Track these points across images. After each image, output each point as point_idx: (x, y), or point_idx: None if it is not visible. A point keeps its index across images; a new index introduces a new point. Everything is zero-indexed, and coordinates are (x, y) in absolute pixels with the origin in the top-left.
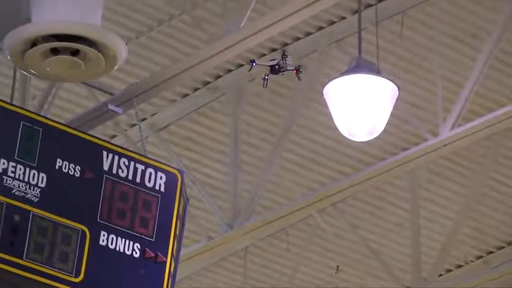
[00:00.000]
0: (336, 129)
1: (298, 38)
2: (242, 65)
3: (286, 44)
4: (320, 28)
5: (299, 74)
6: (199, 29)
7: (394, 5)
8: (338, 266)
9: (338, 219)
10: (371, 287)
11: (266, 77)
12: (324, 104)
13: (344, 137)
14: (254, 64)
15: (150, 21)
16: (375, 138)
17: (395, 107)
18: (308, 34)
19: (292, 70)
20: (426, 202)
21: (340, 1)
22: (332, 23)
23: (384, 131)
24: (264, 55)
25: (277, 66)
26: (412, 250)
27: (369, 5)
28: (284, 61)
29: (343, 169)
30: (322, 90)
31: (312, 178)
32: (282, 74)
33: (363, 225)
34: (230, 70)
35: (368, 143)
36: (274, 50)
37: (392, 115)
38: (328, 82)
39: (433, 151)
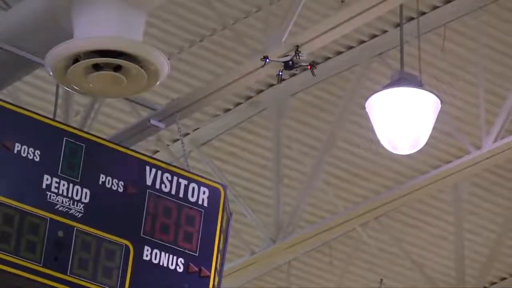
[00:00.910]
0: (378, 142)
1: (339, 52)
2: (283, 79)
3: (328, 58)
4: (362, 42)
5: (313, 70)
6: (241, 44)
7: (436, 18)
8: (382, 280)
9: (381, 232)
10: None
11: (280, 73)
12: (366, 117)
13: (386, 150)
14: (267, 60)
15: (192, 36)
16: (418, 151)
17: (438, 120)
18: (350, 47)
19: (306, 66)
20: (470, 215)
21: (381, 15)
22: (374, 36)
23: (427, 144)
24: (305, 69)
25: (290, 62)
26: (456, 263)
27: (411, 18)
28: (297, 57)
29: (386, 182)
30: (364, 104)
31: (355, 192)
32: (296, 70)
33: (406, 238)
34: (272, 85)
35: (410, 156)
36: (316, 64)
37: (434, 128)
38: (370, 96)
39: (476, 164)
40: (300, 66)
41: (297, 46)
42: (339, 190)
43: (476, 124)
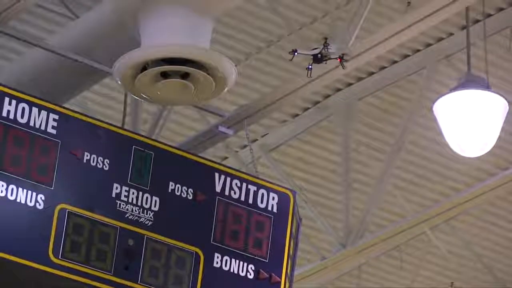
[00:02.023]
0: (446, 145)
1: (406, 56)
2: (351, 84)
3: (394, 62)
4: (428, 45)
5: (343, 63)
6: (308, 49)
7: (502, 20)
8: (452, 283)
9: (452, 235)
10: None
11: (310, 66)
12: (434, 120)
13: (455, 153)
14: (296, 53)
15: (259, 42)
16: (487, 153)
17: (506, 121)
18: (417, 51)
19: (336, 58)
20: None
21: (448, 18)
22: (440, 39)
23: (495, 146)
24: (372, 73)
25: (319, 55)
26: None
27: (477, 21)
28: (326, 50)
29: (455, 185)
30: (432, 107)
31: (424, 195)
32: (326, 63)
33: (476, 241)
34: (339, 89)
35: (479, 158)
36: (383, 68)
37: (503, 129)
38: (437, 99)
39: None
40: (330, 58)
41: (326, 39)
42: (408, 194)
43: None
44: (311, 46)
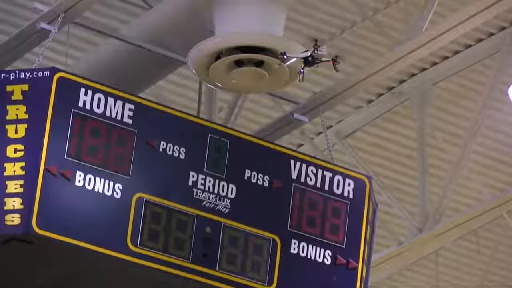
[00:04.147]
0: None
1: (480, 40)
2: (425, 69)
3: (469, 46)
4: (503, 28)
5: (337, 65)
6: (381, 34)
7: None
8: None
9: None
10: None
11: (302, 70)
12: (509, 104)
13: None
14: (285, 56)
15: (332, 29)
16: None
17: None
18: (491, 34)
19: (328, 61)
20: None
21: None
22: None
23: None
24: (447, 57)
25: (310, 58)
26: None
27: None
28: (317, 52)
29: None
30: (507, 90)
31: (500, 179)
32: (317, 66)
33: None
34: (414, 74)
35: None
36: (457, 52)
37: None
38: None
39: None
40: (321, 61)
41: (316, 40)
42: (484, 178)
43: None
44: (385, 32)
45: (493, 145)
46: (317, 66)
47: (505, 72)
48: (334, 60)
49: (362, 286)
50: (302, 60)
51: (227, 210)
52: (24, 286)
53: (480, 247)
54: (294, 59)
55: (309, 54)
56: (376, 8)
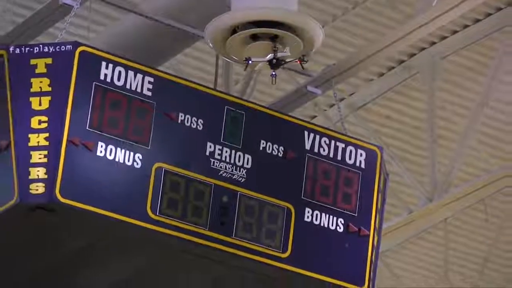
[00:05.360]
0: None
1: (489, 14)
2: (435, 42)
3: (478, 20)
4: (510, 4)
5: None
6: (393, 9)
7: None
8: None
9: None
10: None
11: (274, 73)
12: None
13: None
14: (250, 62)
15: (345, 3)
16: None
17: None
18: (499, 9)
19: (295, 60)
20: None
21: None
22: None
23: None
24: (456, 32)
25: (274, 60)
26: None
27: None
28: (276, 54)
29: None
30: None
31: (507, 150)
32: (283, 67)
33: None
34: (423, 48)
35: None
36: (466, 26)
37: None
38: None
39: None
40: (287, 62)
41: (274, 43)
42: (492, 149)
43: None
44: (396, 6)
45: (501, 117)
46: (283, 67)
47: (510, 46)
48: (301, 59)
49: (374, 253)
50: (267, 62)
51: (243, 180)
52: (46, 256)
53: (488, 216)
54: (260, 64)
55: (272, 57)
56: None
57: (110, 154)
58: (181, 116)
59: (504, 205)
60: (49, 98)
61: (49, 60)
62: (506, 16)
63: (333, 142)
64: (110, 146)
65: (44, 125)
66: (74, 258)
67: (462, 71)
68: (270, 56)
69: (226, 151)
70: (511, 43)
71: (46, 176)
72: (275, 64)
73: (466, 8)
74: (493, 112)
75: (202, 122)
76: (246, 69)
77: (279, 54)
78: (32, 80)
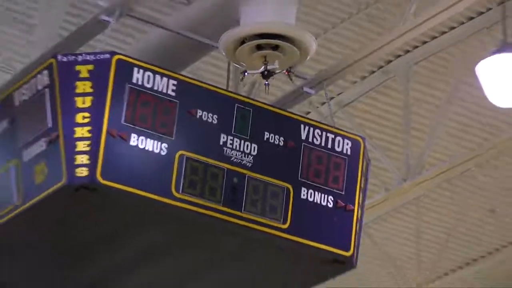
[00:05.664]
0: (487, 98)
1: (453, 27)
2: (409, 51)
3: (444, 32)
4: (471, 18)
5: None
6: (374, 24)
7: None
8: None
9: (493, 171)
10: None
11: (266, 83)
12: (477, 79)
13: (494, 104)
14: (246, 74)
15: (334, 19)
16: None
17: None
18: (462, 23)
19: (284, 72)
20: None
21: None
22: (480, 13)
23: None
24: (426, 42)
25: (266, 72)
26: None
27: None
28: (266, 67)
29: (494, 131)
30: (474, 69)
31: (469, 140)
32: (273, 78)
33: None
34: (399, 55)
35: None
36: (434, 37)
37: None
38: (479, 62)
39: None
40: (276, 73)
41: (265, 57)
42: (457, 139)
43: None
44: (375, 22)
45: (464, 113)
46: (273, 78)
47: (477, 54)
48: (289, 71)
49: (358, 225)
50: (260, 74)
51: (250, 164)
52: (84, 234)
53: (453, 194)
54: (255, 75)
55: (264, 69)
56: (368, 2)
57: (141, 144)
58: (200, 112)
59: (467, 185)
60: (91, 98)
61: (91, 67)
62: (467, 31)
63: (324, 133)
64: (141, 137)
65: (87, 120)
66: (109, 233)
67: (432, 74)
68: (262, 68)
69: (236, 141)
70: (470, 51)
71: (89, 162)
72: (266, 75)
73: (434, 22)
74: (458, 109)
75: (216, 117)
76: (242, 80)
77: (269, 67)
78: (77, 83)
